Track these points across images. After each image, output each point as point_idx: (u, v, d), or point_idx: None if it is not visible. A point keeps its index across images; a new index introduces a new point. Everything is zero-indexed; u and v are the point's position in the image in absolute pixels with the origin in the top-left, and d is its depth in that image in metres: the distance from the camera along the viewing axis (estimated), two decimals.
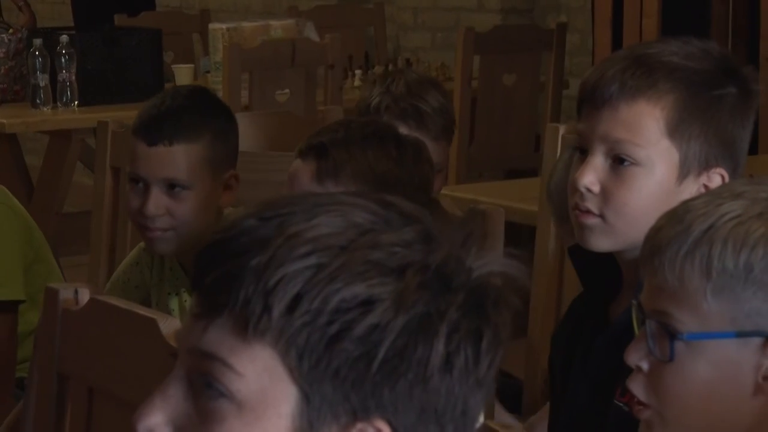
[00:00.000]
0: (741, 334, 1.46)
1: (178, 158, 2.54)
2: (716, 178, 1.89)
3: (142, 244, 2.71)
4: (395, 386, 1.08)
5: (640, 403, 1.52)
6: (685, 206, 1.50)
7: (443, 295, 1.09)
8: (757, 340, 1.46)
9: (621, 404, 1.85)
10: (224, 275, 1.09)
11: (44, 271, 3.23)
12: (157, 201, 2.54)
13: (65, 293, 1.78)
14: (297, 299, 1.07)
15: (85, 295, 1.77)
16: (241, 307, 1.08)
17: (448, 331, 1.09)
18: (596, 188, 1.88)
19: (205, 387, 1.10)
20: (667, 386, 1.49)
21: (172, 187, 2.55)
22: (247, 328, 1.08)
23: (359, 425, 1.09)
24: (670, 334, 1.47)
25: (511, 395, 3.00)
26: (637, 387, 1.52)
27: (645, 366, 1.51)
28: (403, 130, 2.94)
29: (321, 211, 1.10)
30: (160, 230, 2.55)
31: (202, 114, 2.59)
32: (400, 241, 1.09)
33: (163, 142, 2.54)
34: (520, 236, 3.97)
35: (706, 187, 1.88)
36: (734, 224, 1.46)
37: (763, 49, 5.10)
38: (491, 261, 1.12)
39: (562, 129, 2.99)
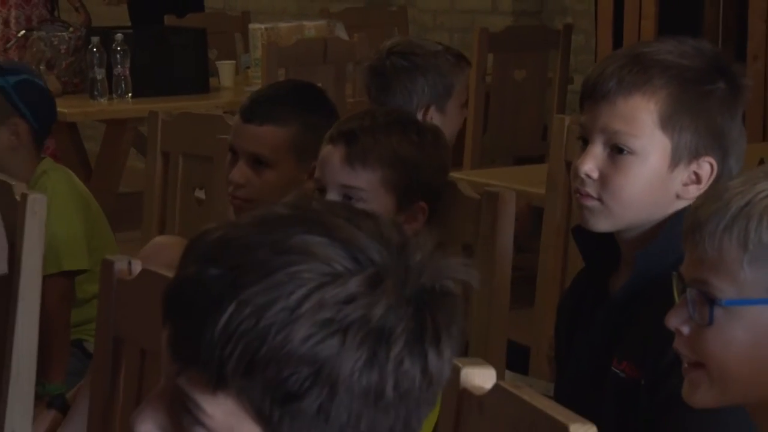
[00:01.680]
0: None
1: (265, 137, 2.53)
2: (705, 166, 1.87)
3: None
4: (356, 422, 1.09)
5: (690, 363, 1.53)
6: (723, 186, 1.51)
7: (384, 346, 1.08)
8: None
9: (618, 371, 1.85)
10: (186, 332, 1.09)
11: (101, 245, 3.25)
12: (242, 171, 2.54)
13: (119, 265, 1.79)
14: (252, 364, 1.07)
15: (137, 267, 1.78)
16: (202, 368, 1.08)
17: (393, 382, 1.09)
18: (595, 174, 1.88)
19: (184, 412, 1.11)
20: (708, 349, 1.50)
21: (258, 162, 2.54)
22: (210, 384, 1.09)
23: None
24: (709, 300, 1.48)
25: (518, 361, 3.01)
26: (682, 347, 1.53)
27: (686, 330, 1.52)
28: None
29: (274, 267, 1.07)
30: (241, 200, 2.55)
31: (298, 105, 2.56)
32: (344, 298, 1.07)
33: (254, 121, 2.55)
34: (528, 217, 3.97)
35: (696, 174, 1.87)
36: None
37: (750, 48, 5.09)
38: (441, 272, 1.11)
39: (567, 120, 2.99)
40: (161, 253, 2.64)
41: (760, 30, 5.08)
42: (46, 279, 3.11)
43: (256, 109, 2.56)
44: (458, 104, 3.11)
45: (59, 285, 3.16)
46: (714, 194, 1.51)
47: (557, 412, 1.25)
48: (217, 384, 1.08)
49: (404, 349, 1.08)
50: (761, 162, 3.46)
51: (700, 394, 1.52)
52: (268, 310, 1.06)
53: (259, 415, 1.08)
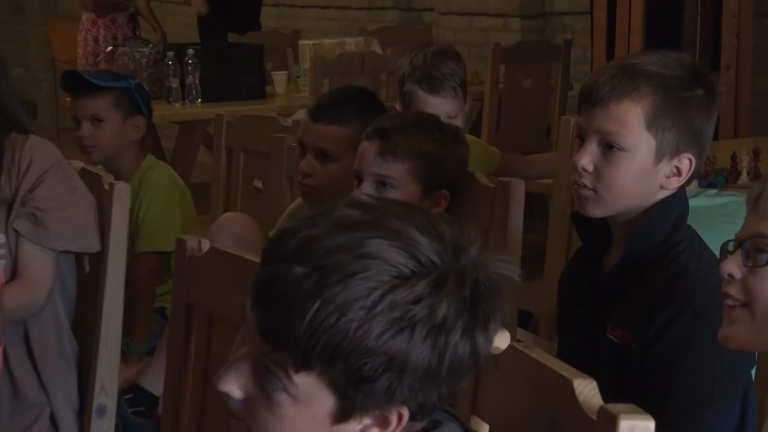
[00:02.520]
0: None
1: (330, 135, 2.52)
2: (685, 161, 1.85)
3: (298, 200, 2.72)
4: (414, 395, 1.11)
5: (736, 305, 1.53)
6: None
7: (444, 337, 1.09)
8: None
9: (612, 337, 1.83)
10: (275, 322, 1.09)
11: (189, 228, 3.27)
12: (309, 162, 2.54)
13: (191, 243, 1.79)
14: (333, 354, 1.07)
15: (206, 245, 1.78)
16: (288, 352, 1.09)
17: (449, 363, 1.10)
18: (590, 168, 1.86)
19: (270, 378, 1.11)
20: (758, 287, 1.51)
21: (323, 156, 2.53)
22: (296, 364, 1.09)
23: (385, 412, 1.12)
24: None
25: (524, 324, 3.01)
26: (733, 290, 1.53)
27: (738, 274, 1.52)
28: (422, 93, 2.99)
29: (353, 270, 1.07)
30: (308, 187, 2.54)
31: (358, 107, 2.55)
32: (413, 299, 1.08)
33: (322, 121, 2.54)
34: (537, 204, 3.96)
35: (677, 168, 1.86)
36: None
37: (723, 58, 5.05)
38: (490, 269, 1.11)
39: (572, 120, 2.97)
40: (229, 226, 2.71)
41: (732, 43, 5.05)
42: (140, 255, 3.15)
43: (324, 111, 2.55)
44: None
45: (150, 261, 3.18)
46: (766, 175, 1.55)
47: (562, 368, 1.24)
48: (302, 365, 1.09)
49: (461, 339, 1.10)
50: (733, 155, 3.43)
51: (736, 328, 1.52)
52: (348, 309, 1.07)
53: (337, 389, 1.09)
